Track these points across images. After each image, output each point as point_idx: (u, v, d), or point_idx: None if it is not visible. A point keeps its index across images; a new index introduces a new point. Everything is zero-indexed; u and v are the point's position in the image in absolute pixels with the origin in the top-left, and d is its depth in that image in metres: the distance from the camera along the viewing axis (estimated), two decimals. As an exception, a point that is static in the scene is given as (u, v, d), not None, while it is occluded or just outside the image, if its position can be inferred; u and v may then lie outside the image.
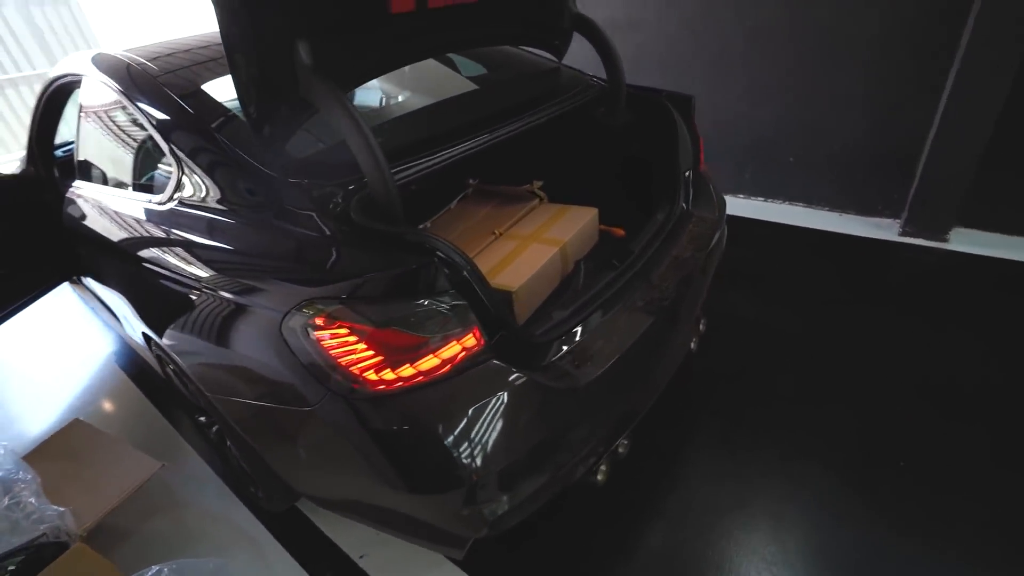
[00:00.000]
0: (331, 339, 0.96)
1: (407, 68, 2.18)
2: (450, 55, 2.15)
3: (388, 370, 0.97)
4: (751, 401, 1.86)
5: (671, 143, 1.76)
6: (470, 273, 1.03)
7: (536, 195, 2.11)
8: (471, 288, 1.03)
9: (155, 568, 1.36)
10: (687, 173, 1.77)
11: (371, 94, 2.25)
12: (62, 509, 1.48)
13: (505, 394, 1.03)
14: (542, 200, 2.08)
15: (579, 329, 1.20)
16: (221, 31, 0.95)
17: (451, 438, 0.99)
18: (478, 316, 1.05)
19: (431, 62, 2.15)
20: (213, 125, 1.23)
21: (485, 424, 1.01)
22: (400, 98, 2.21)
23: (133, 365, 2.53)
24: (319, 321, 0.96)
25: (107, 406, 2.30)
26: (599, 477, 1.42)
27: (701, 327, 1.93)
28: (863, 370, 1.95)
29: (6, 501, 1.51)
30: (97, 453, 1.74)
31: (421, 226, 1.95)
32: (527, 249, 1.68)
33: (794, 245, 2.81)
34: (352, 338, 0.95)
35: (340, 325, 0.95)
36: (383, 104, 2.20)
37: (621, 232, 1.90)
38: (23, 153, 2.17)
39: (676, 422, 1.82)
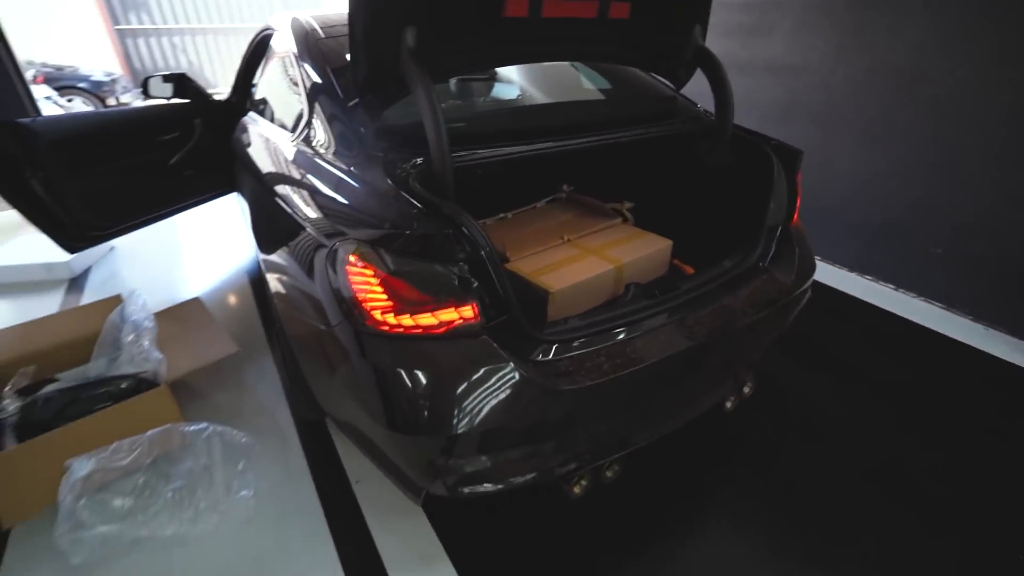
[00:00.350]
0: (357, 275, 1.12)
1: (537, 65, 2.31)
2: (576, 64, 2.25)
3: (392, 315, 1.11)
4: (772, 487, 1.72)
5: (765, 194, 1.69)
6: (488, 255, 1.13)
7: (621, 214, 2.13)
8: (485, 268, 1.14)
9: (205, 424, 1.67)
10: (776, 228, 1.68)
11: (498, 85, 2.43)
12: (161, 357, 1.87)
13: (486, 370, 1.12)
14: (625, 220, 2.10)
15: (583, 340, 1.24)
16: (349, 7, 1.16)
17: (429, 391, 1.11)
18: (489, 296, 1.15)
19: (563, 65, 2.28)
20: (342, 95, 1.47)
21: (462, 389, 1.11)
22: (514, 91, 2.35)
23: (254, 272, 3.04)
24: (352, 258, 1.13)
25: (224, 297, 2.80)
26: (575, 489, 1.44)
27: (746, 390, 1.83)
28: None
29: (131, 338, 1.94)
30: (199, 326, 2.15)
31: (502, 216, 2.09)
32: (584, 260, 1.74)
33: (915, 347, 2.44)
34: (373, 280, 1.11)
35: (366, 266, 1.11)
36: (492, 93, 2.36)
37: (690, 271, 1.86)
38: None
39: (685, 476, 1.75)
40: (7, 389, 1.79)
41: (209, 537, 1.50)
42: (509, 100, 2.28)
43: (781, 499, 1.65)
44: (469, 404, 1.11)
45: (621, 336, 1.28)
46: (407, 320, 1.12)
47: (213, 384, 2.10)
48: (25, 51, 9.56)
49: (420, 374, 1.11)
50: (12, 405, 1.72)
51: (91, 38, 11.29)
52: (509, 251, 1.77)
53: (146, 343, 1.94)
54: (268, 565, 1.44)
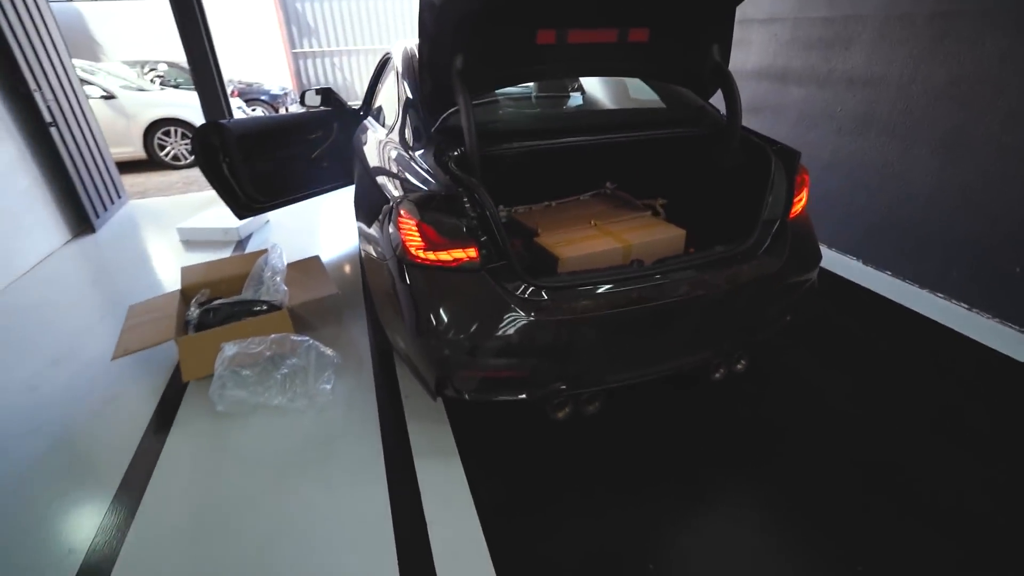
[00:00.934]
0: (404, 222, 1.64)
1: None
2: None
3: (423, 251, 1.61)
4: (763, 465, 1.92)
5: (762, 190, 1.93)
6: (491, 215, 1.59)
7: (653, 209, 2.46)
8: (489, 223, 1.59)
9: (307, 339, 2.31)
10: (774, 222, 1.91)
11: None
12: (285, 290, 2.58)
13: (482, 295, 1.57)
14: (655, 214, 2.42)
15: (564, 288, 1.63)
16: (418, 37, 1.69)
17: (442, 307, 1.59)
18: (493, 245, 1.59)
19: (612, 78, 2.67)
20: (420, 103, 2.01)
21: (466, 308, 1.58)
22: (558, 96, 2.77)
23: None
24: (402, 211, 1.65)
25: (340, 259, 3.58)
26: (559, 414, 1.82)
27: (739, 366, 2.05)
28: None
29: (269, 275, 2.68)
30: (315, 274, 2.86)
31: (547, 204, 2.51)
32: (600, 239, 2.10)
33: (991, 376, 2.32)
34: (413, 227, 1.61)
35: (409, 217, 1.62)
36: (540, 96, 2.79)
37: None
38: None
39: (679, 456, 2.01)
40: (192, 302, 2.61)
41: (299, 412, 2.12)
42: (559, 106, 2.72)
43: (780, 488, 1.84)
44: (467, 319, 1.57)
45: (599, 290, 1.64)
46: (431, 255, 1.60)
47: (322, 318, 2.80)
48: (226, 70, 11.93)
49: (436, 295, 1.60)
50: (194, 312, 2.52)
51: (274, 59, 13.72)
52: (542, 229, 2.19)
53: (279, 279, 2.68)
54: (333, 441, 2.01)
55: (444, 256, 1.60)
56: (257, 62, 13.91)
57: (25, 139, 4.15)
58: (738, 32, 4.10)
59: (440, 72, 1.74)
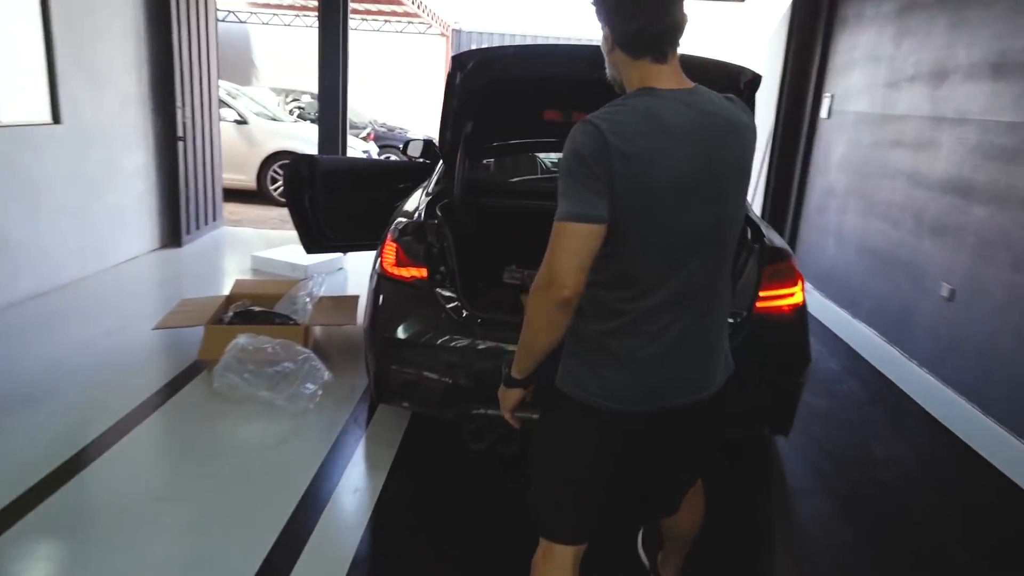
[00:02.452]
0: (386, 244, 3.00)
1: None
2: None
3: (393, 267, 2.93)
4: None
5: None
6: (448, 248, 2.87)
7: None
8: (446, 255, 2.87)
9: (308, 352, 3.73)
10: (737, 312, 2.85)
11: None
12: (309, 311, 4.10)
13: (421, 308, 2.81)
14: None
15: (497, 320, 2.80)
16: (443, 103, 3.16)
17: (390, 310, 2.88)
18: (448, 272, 2.87)
19: None
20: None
21: (407, 314, 2.84)
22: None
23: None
24: (388, 236, 3.02)
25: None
26: (475, 444, 2.89)
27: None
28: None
29: (303, 298, 4.25)
30: (344, 308, 4.37)
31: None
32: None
33: None
34: (391, 246, 2.97)
35: (391, 240, 2.98)
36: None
37: None
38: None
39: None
40: (231, 307, 4.26)
41: (279, 409, 3.48)
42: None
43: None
44: (405, 322, 2.83)
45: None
46: (396, 270, 2.92)
47: (341, 350, 4.27)
48: (374, 111, 15.51)
49: (389, 301, 2.91)
50: (229, 314, 4.14)
51: (432, 106, 17.29)
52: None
53: (308, 303, 4.22)
54: (299, 432, 3.31)
55: (403, 272, 2.90)
56: (411, 107, 17.63)
57: (156, 148, 6.64)
58: (928, 130, 5.01)
59: (455, 134, 3.17)
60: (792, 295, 2.91)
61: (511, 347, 2.67)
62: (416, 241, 2.94)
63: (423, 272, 2.89)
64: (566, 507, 1.75)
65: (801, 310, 2.94)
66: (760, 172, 8.06)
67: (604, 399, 1.61)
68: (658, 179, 1.47)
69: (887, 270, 5.50)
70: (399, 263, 2.94)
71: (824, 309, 6.41)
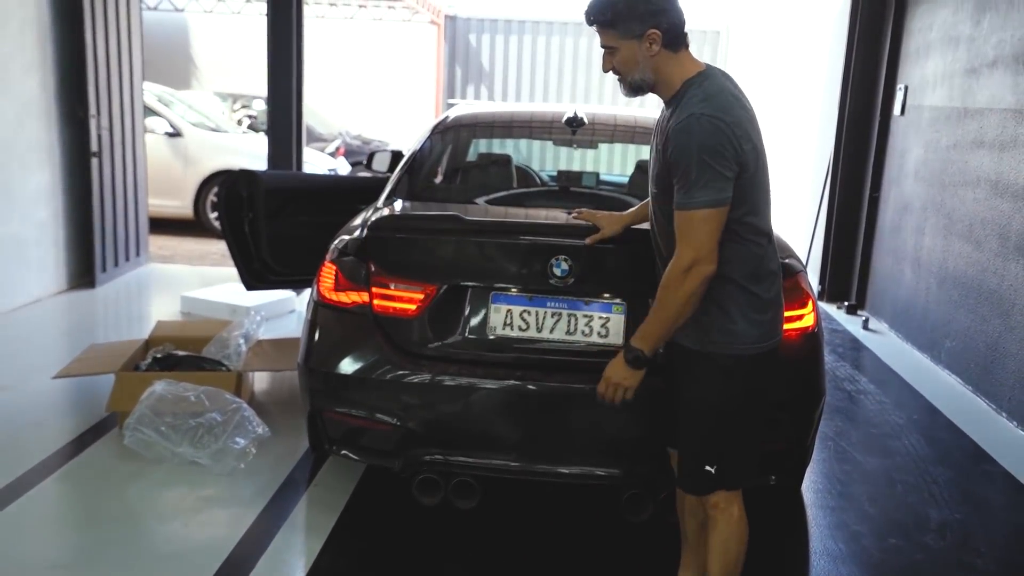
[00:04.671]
0: (325, 267, 3.42)
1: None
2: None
3: (331, 291, 3.33)
4: None
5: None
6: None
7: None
8: None
9: (239, 400, 4.11)
10: None
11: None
12: (243, 353, 4.51)
13: (369, 336, 3.22)
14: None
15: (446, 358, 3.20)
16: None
17: (326, 342, 3.31)
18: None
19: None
20: None
21: (349, 344, 3.24)
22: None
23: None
24: (327, 258, 3.44)
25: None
26: (428, 499, 3.23)
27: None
28: None
29: (236, 339, 4.65)
30: (287, 351, 4.75)
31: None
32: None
33: None
34: (330, 269, 3.38)
35: (329, 262, 3.40)
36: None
37: None
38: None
39: None
40: (149, 352, 4.66)
41: (202, 469, 3.85)
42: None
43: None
44: (346, 354, 3.23)
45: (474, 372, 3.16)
46: (334, 296, 3.33)
47: (284, 405, 4.67)
48: (343, 122, 16.16)
49: (326, 331, 3.34)
50: (147, 360, 4.55)
51: (419, 111, 17.95)
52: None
53: (243, 346, 4.62)
54: (225, 494, 3.68)
55: (343, 298, 3.30)
56: (393, 115, 18.29)
57: (64, 166, 7.16)
58: (1012, 126, 5.35)
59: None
60: (800, 318, 3.25)
61: (464, 381, 3.10)
62: (359, 261, 3.33)
63: (365, 297, 3.27)
64: (754, 449, 2.68)
65: (812, 336, 3.27)
66: (824, 185, 8.43)
67: (766, 339, 2.50)
68: (759, 146, 2.40)
69: (971, 302, 5.82)
70: (338, 287, 3.33)
71: (899, 355, 6.71)
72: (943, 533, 3.75)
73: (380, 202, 3.94)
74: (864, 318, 7.61)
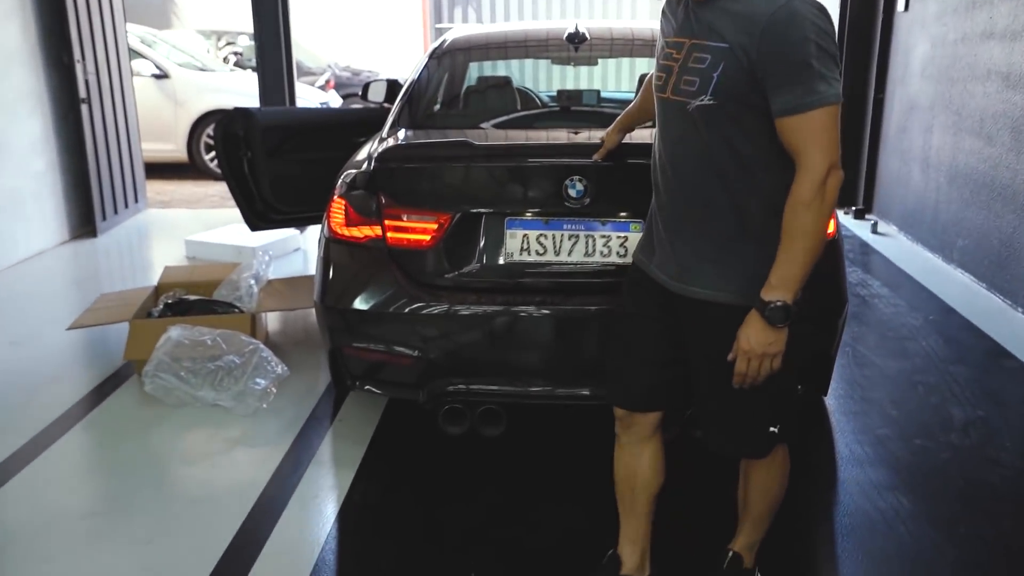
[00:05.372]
0: (334, 203, 3.38)
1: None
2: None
3: (343, 227, 3.30)
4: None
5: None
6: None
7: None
8: None
9: (256, 341, 4.11)
10: None
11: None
12: (255, 295, 4.50)
13: (385, 269, 3.21)
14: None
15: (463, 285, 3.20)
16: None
17: (342, 278, 3.30)
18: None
19: None
20: None
21: (365, 279, 3.24)
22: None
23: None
24: (336, 193, 3.40)
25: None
26: (453, 428, 3.27)
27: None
28: None
29: (247, 280, 4.64)
30: (299, 290, 4.75)
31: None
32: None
33: None
34: (340, 204, 3.34)
35: (338, 197, 3.37)
36: None
37: None
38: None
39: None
40: (160, 299, 4.65)
41: (225, 411, 3.87)
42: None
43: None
44: (363, 289, 3.22)
45: (492, 300, 3.15)
46: (346, 231, 3.30)
47: (299, 343, 4.69)
48: (332, 54, 15.90)
49: (341, 267, 3.35)
50: (159, 307, 4.54)
51: (407, 39, 17.64)
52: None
53: (254, 286, 4.61)
54: (251, 435, 3.71)
55: (356, 232, 3.27)
56: (382, 44, 18.00)
57: (54, 115, 7.06)
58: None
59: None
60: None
61: (481, 310, 3.10)
62: (369, 195, 3.29)
63: (378, 231, 3.25)
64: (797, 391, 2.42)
65: (833, 244, 3.26)
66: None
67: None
68: None
69: (983, 199, 5.78)
70: (349, 222, 3.30)
71: (910, 256, 6.70)
72: (967, 431, 3.78)
73: (384, 133, 3.87)
74: (873, 222, 7.59)
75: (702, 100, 2.02)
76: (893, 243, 7.17)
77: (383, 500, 3.31)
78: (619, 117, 3.07)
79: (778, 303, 1.97)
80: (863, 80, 7.86)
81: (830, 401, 4.05)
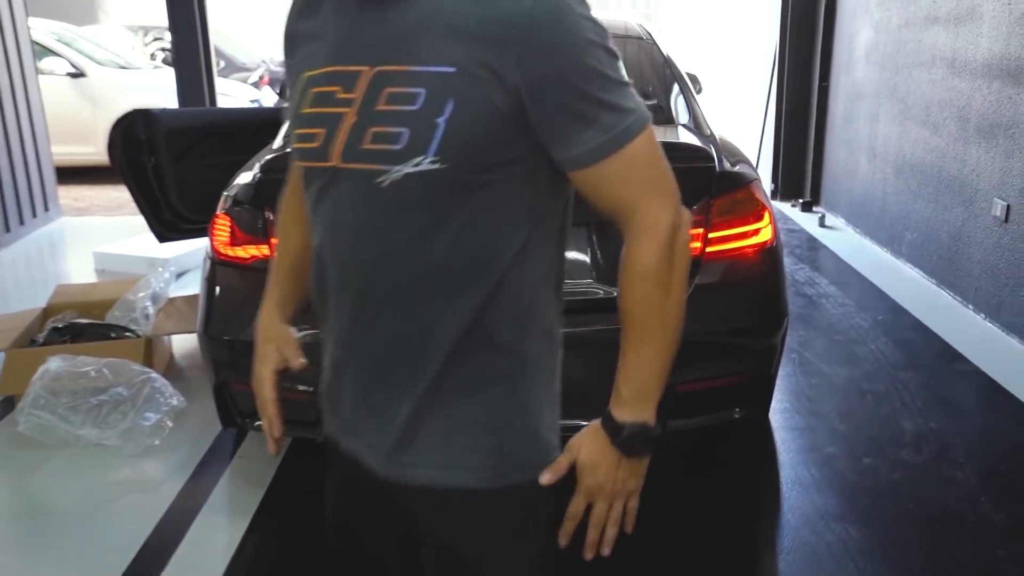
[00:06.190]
0: (218, 220, 3.03)
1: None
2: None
3: (228, 246, 2.95)
4: None
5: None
6: None
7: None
8: None
9: (148, 370, 3.75)
10: None
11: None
12: (151, 316, 4.12)
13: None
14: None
15: None
16: None
17: (227, 304, 2.93)
18: None
19: None
20: None
21: (253, 305, 2.87)
22: None
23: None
24: (219, 209, 3.05)
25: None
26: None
27: None
28: None
29: (143, 300, 4.26)
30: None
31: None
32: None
33: None
34: (224, 222, 2.99)
35: (222, 214, 3.01)
36: None
37: None
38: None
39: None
40: (48, 323, 4.26)
41: (111, 451, 3.51)
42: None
43: None
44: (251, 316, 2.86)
45: None
46: (231, 251, 2.95)
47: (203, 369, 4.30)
48: (266, 50, 15.41)
49: (225, 292, 2.96)
50: (45, 332, 4.15)
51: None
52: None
53: (149, 307, 4.24)
54: (138, 477, 3.35)
55: (241, 252, 2.93)
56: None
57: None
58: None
59: None
60: (757, 232, 2.95)
61: None
62: (255, 210, 2.95)
63: (265, 250, 2.91)
64: None
65: (771, 252, 2.98)
66: (771, 76, 8.12)
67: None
68: None
69: (930, 191, 5.59)
70: (234, 241, 2.96)
71: (858, 251, 6.52)
72: (919, 446, 3.54)
73: (280, 140, 3.52)
74: (820, 215, 7.39)
75: (416, 165, 1.16)
76: (841, 237, 6.95)
77: (278, 553, 2.98)
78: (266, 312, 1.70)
79: (634, 425, 1.27)
80: (807, 68, 7.65)
81: (775, 416, 3.79)
